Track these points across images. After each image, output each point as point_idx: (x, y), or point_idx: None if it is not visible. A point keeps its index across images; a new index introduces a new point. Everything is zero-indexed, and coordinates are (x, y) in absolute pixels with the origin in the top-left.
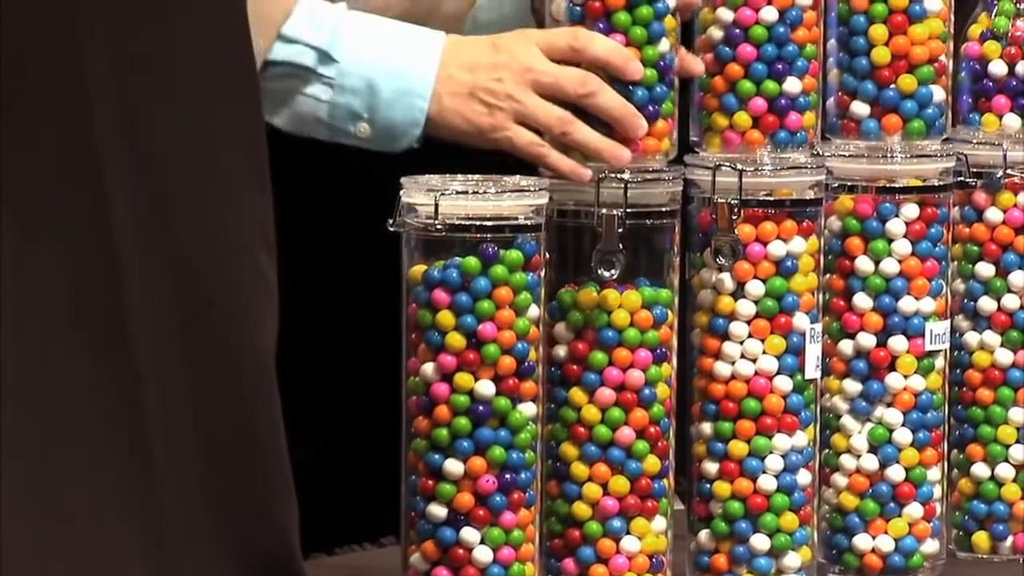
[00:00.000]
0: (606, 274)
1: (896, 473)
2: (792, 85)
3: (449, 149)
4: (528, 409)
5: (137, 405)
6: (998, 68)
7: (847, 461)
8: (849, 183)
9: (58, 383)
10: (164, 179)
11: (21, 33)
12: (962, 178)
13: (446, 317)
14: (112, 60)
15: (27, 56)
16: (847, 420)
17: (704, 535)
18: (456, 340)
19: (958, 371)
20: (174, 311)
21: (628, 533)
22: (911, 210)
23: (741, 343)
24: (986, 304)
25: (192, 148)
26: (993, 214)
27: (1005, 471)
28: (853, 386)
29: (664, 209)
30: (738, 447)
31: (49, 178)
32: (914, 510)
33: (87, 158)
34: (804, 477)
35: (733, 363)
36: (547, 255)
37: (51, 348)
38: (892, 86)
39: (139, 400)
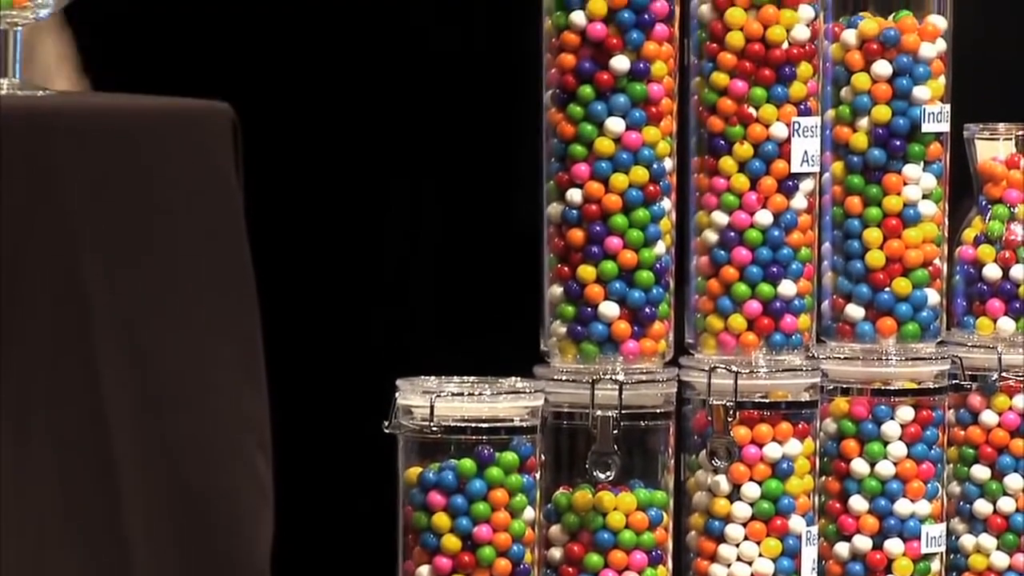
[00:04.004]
0: (601, 476)
1: None
2: (787, 288)
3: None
4: None
5: None
6: (992, 272)
7: None
8: (844, 385)
9: None
10: (160, 383)
11: (18, 240)
12: (957, 381)
13: (442, 519)
14: (108, 263)
15: (24, 263)
16: None
17: None
18: (452, 543)
19: (954, 574)
20: (170, 516)
21: None
22: (906, 413)
23: (737, 546)
24: (982, 507)
25: (188, 351)
26: (988, 417)
27: None
28: None
29: (659, 411)
30: None
31: (45, 383)
32: None
33: (85, 362)
34: None
35: (729, 566)
36: (542, 457)
37: (46, 553)
38: (887, 289)
39: None
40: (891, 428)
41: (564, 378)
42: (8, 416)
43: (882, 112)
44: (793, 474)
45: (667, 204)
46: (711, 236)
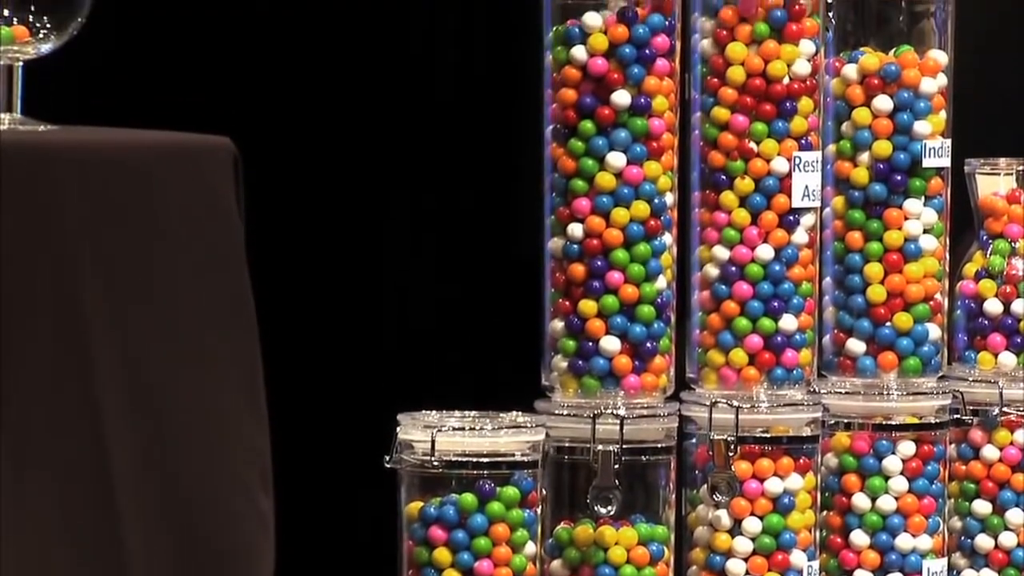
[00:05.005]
0: (602, 510)
1: None
2: (788, 322)
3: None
4: None
5: None
6: (993, 306)
7: None
8: (845, 420)
9: None
10: (161, 415)
11: (19, 273)
12: (958, 416)
13: (443, 554)
14: (110, 295)
15: (25, 295)
16: None
17: None
18: None
19: None
20: (170, 546)
21: None
22: (907, 447)
23: None
24: (983, 542)
25: (189, 382)
26: (990, 452)
27: None
28: None
29: (660, 445)
30: None
31: (45, 412)
32: None
33: (85, 394)
34: None
35: None
36: (543, 491)
37: None
38: (888, 324)
39: None
40: (892, 463)
41: (565, 412)
42: (8, 444)
43: (883, 147)
44: (794, 509)
45: (668, 239)
46: (712, 271)
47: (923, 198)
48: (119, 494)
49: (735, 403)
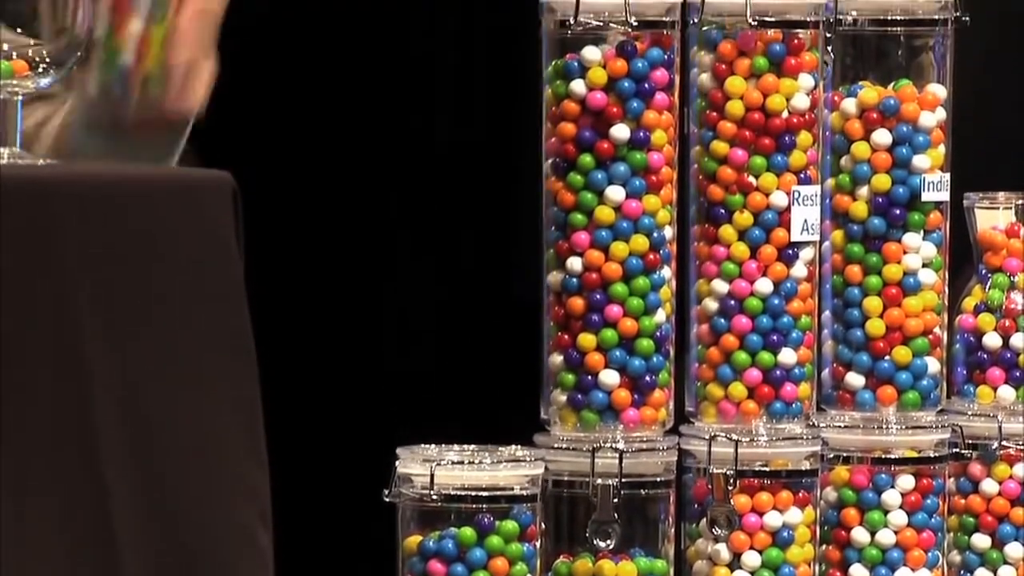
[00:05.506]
0: (602, 544)
1: None
2: (787, 356)
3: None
4: None
5: None
6: (992, 340)
7: None
8: (844, 454)
9: None
10: (161, 454)
11: (18, 310)
12: (957, 449)
13: None
14: (109, 333)
15: (24, 333)
16: None
17: None
18: None
19: None
20: None
21: None
22: (907, 481)
23: None
24: None
25: (190, 426)
26: (989, 486)
27: None
28: None
29: (659, 479)
30: None
31: (46, 456)
32: None
33: (86, 435)
34: None
35: None
36: (542, 525)
37: None
38: (887, 358)
39: None
40: (891, 497)
41: (564, 446)
42: (8, 474)
43: (882, 181)
44: (793, 543)
45: (667, 272)
46: (711, 304)
47: (922, 232)
48: (119, 537)
49: (734, 437)
